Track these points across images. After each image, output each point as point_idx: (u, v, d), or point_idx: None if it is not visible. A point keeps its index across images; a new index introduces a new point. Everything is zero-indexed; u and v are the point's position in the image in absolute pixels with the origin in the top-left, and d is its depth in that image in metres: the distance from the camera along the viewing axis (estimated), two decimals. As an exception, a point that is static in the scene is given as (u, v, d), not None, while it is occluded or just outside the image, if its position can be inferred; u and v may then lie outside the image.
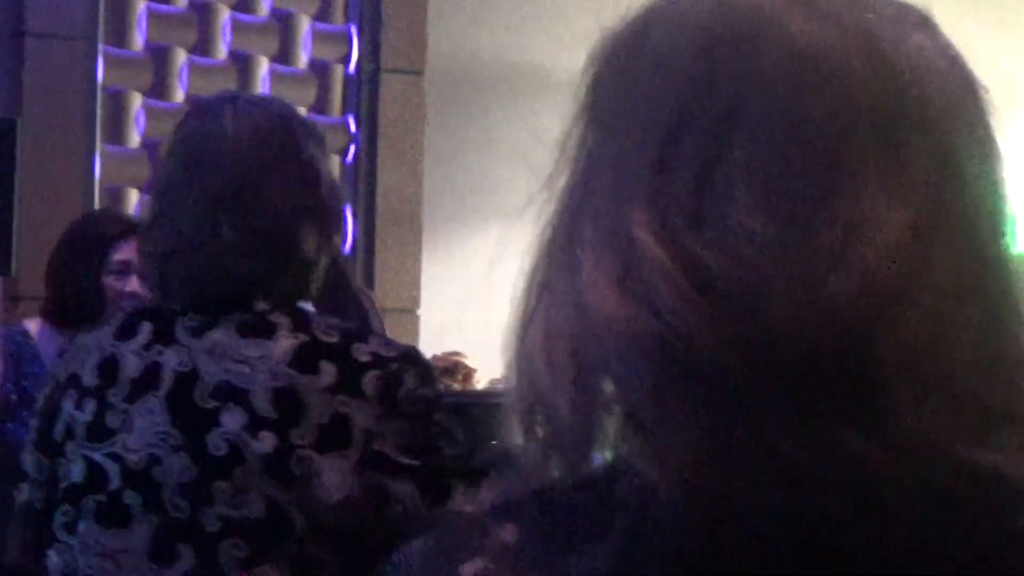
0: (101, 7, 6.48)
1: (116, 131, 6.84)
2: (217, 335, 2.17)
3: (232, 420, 2.04)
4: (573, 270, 0.77)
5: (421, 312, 6.62)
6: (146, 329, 2.25)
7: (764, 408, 0.71)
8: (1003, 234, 0.78)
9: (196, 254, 2.23)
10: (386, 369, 2.17)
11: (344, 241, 2.57)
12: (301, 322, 2.14)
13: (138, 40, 6.62)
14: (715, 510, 0.72)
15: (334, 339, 2.20)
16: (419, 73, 7.29)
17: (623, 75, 0.83)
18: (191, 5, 6.70)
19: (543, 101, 7.07)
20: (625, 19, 0.85)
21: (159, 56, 6.69)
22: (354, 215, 6.72)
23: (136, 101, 6.69)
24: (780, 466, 0.72)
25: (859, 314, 0.71)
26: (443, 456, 2.12)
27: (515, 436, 0.83)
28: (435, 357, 5.47)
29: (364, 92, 7.10)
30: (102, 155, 6.68)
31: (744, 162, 0.74)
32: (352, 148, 6.99)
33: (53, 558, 2.27)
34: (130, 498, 2.14)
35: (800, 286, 0.71)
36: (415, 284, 6.84)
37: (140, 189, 6.40)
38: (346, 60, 7.15)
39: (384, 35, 7.19)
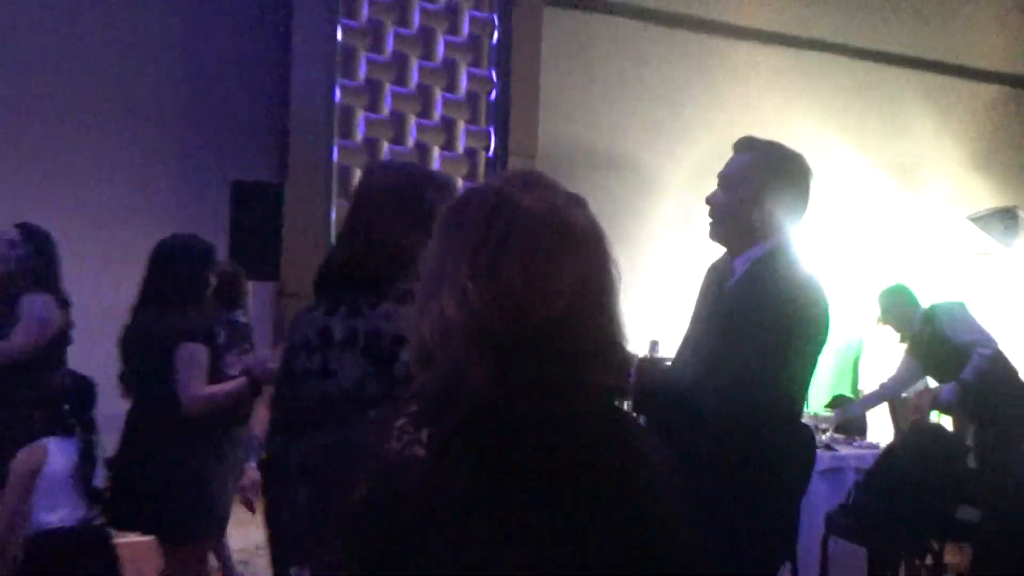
0: (336, 114, 8.12)
1: (344, 192, 8.17)
2: (387, 306, 2.47)
3: (406, 355, 2.23)
4: (441, 301, 1.33)
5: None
6: (343, 308, 2.54)
7: (521, 361, 1.31)
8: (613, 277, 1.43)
9: (344, 263, 2.55)
10: None
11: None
12: None
13: (359, 134, 8.25)
14: (509, 404, 1.32)
15: None
16: (533, 156, 8.71)
17: (453, 222, 1.41)
18: (391, 113, 8.32)
19: (610, 173, 9.20)
20: (458, 198, 1.47)
21: (372, 144, 8.28)
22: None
23: (356, 174, 8.14)
24: (531, 388, 1.31)
25: (553, 327, 1.33)
26: None
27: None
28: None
29: (498, 169, 8.50)
30: (336, 206, 8.14)
31: (514, 266, 1.32)
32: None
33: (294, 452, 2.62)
34: (342, 410, 2.43)
35: (540, 314, 1.33)
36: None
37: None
38: (487, 148, 8.70)
39: (511, 132, 8.71)
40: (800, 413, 2.91)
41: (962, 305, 6.27)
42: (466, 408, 1.34)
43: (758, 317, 2.77)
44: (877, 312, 6.74)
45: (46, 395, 3.95)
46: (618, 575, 1.40)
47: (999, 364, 6.05)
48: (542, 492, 1.33)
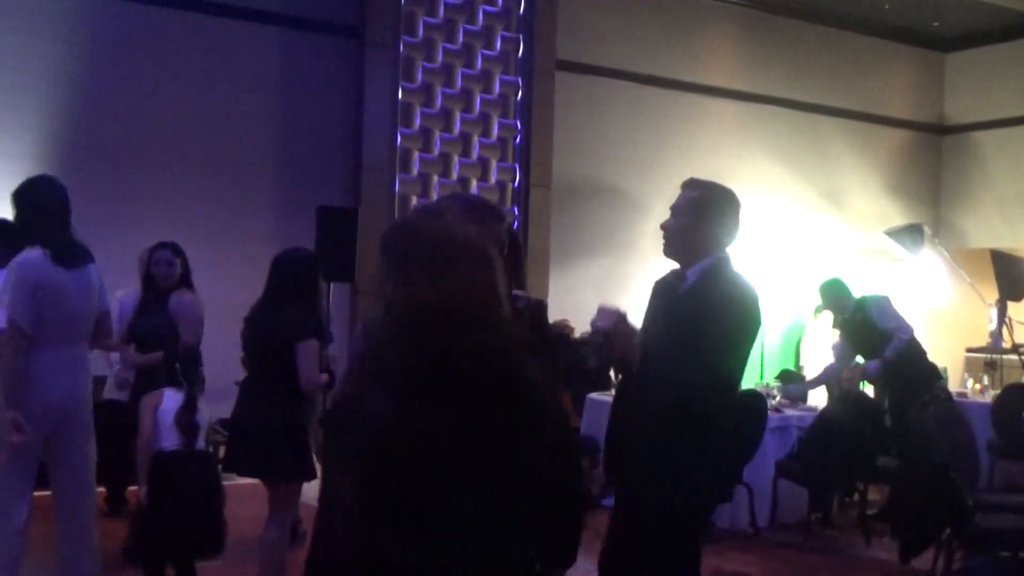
0: (397, 154, 8.15)
1: (404, 214, 8.07)
2: None
3: None
4: (380, 300, 1.59)
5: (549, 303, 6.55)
6: None
7: (431, 334, 1.41)
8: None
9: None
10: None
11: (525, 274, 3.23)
12: None
13: (415, 170, 8.29)
14: (420, 351, 1.42)
15: (520, 304, 2.59)
16: (548, 187, 8.81)
17: (385, 246, 1.55)
18: (440, 154, 8.36)
19: (608, 199, 9.19)
20: (388, 230, 1.56)
21: (424, 178, 8.35)
22: (515, 257, 7.58)
23: (412, 200, 8.27)
24: (440, 351, 1.39)
25: (454, 309, 1.43)
26: None
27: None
28: (556, 322, 6.94)
29: (522, 197, 8.69)
30: (398, 225, 8.33)
31: (422, 273, 1.43)
32: (516, 223, 8.33)
33: None
34: None
35: (443, 301, 1.42)
36: (545, 294, 8.19)
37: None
38: (514, 180, 8.74)
39: (532, 168, 8.75)
40: (738, 386, 2.89)
41: (887, 298, 6.15)
42: (394, 361, 1.44)
43: (708, 313, 2.77)
44: (817, 300, 6.55)
45: (168, 359, 4.05)
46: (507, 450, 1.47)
47: (913, 346, 6.00)
48: (448, 406, 1.40)
